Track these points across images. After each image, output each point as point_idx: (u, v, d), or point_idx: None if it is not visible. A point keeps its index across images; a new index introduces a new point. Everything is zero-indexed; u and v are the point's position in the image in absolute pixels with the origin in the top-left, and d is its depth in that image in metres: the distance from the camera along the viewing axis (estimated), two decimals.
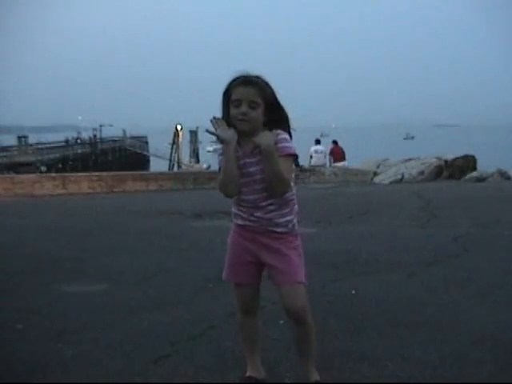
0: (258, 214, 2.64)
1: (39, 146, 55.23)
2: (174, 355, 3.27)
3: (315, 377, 2.76)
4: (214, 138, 2.59)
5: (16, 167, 41.44)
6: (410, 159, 18.22)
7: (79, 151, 59.15)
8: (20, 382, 3.04)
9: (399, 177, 16.39)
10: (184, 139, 55.31)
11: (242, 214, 2.69)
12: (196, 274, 5.03)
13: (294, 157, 2.61)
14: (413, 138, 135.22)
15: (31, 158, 46.54)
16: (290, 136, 2.64)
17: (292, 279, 2.62)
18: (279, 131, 2.59)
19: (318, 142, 20.70)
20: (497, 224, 7.36)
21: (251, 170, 2.61)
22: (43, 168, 43.57)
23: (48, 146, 58.26)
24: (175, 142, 53.29)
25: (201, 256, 5.75)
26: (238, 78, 2.59)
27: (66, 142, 62.44)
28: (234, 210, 2.74)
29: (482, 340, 3.39)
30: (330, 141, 22.21)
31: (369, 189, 13.87)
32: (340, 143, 21.20)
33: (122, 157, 65.75)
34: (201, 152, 56.45)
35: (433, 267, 5.16)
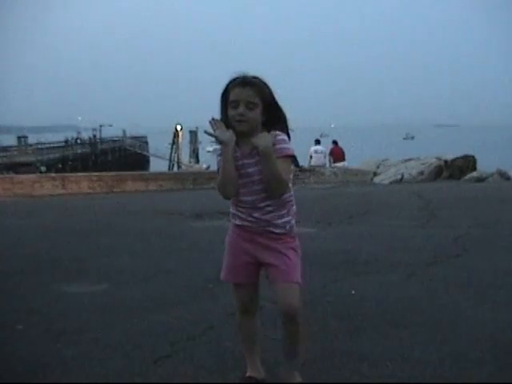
0: (256, 214, 2.64)
1: (39, 146, 55.20)
2: (174, 355, 3.27)
3: (298, 379, 2.76)
4: (213, 138, 2.60)
5: (16, 167, 41.43)
6: (409, 159, 18.23)
7: (79, 151, 59.13)
8: (20, 382, 3.04)
9: (399, 177, 16.40)
10: (184, 139, 55.31)
11: (240, 214, 2.69)
12: (196, 274, 5.03)
13: (292, 158, 2.62)
14: (413, 138, 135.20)
15: (31, 158, 46.53)
16: (289, 137, 2.64)
17: (289, 278, 2.63)
18: (277, 132, 2.59)
19: (317, 142, 20.71)
20: (497, 224, 7.36)
21: (250, 170, 2.61)
22: (43, 168, 43.57)
23: (48, 146, 58.23)
24: (175, 142, 53.29)
25: (200, 256, 5.75)
26: (235, 78, 2.60)
27: (66, 142, 62.41)
28: (232, 210, 2.75)
29: (482, 340, 3.39)
30: (330, 141, 22.22)
31: (369, 189, 13.88)
32: (340, 143, 21.22)
33: (121, 157, 65.74)
34: (200, 152, 56.46)
35: (433, 267, 5.16)
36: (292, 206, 2.71)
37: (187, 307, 4.15)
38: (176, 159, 52.58)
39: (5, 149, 52.81)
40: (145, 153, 69.16)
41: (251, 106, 2.55)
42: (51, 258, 5.81)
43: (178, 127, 53.11)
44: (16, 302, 4.40)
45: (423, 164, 16.82)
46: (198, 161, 54.03)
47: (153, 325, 3.79)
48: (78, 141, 66.16)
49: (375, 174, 17.79)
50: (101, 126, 70.20)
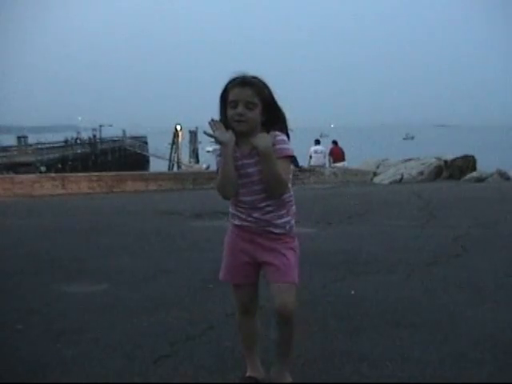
0: (256, 214, 2.64)
1: (39, 146, 55.19)
2: (174, 355, 3.27)
3: (288, 379, 2.76)
4: (212, 139, 2.60)
5: (15, 167, 41.42)
6: (409, 159, 18.23)
7: (79, 151, 59.11)
8: (20, 382, 3.04)
9: (399, 177, 16.39)
10: (184, 139, 55.28)
11: (239, 214, 2.69)
12: (196, 274, 5.03)
13: (292, 158, 2.62)
14: (412, 138, 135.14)
15: (31, 158, 46.51)
16: (288, 137, 2.65)
17: (286, 279, 2.62)
18: (277, 133, 2.60)
19: (317, 142, 20.72)
20: (496, 224, 7.36)
21: (249, 170, 2.61)
22: (43, 168, 43.55)
23: (47, 146, 58.22)
24: (175, 142, 53.27)
25: (200, 256, 5.75)
26: (235, 79, 2.60)
27: (66, 142, 62.39)
28: (231, 210, 2.75)
29: (482, 340, 3.39)
30: (330, 141, 22.23)
31: (368, 189, 13.88)
32: (339, 143, 21.22)
33: (121, 157, 65.73)
34: (200, 152, 56.44)
35: (432, 267, 5.16)
36: (291, 206, 2.71)
37: (187, 307, 4.15)
38: (176, 159, 52.56)
39: (5, 149, 52.80)
40: (145, 153, 69.14)
41: (250, 106, 2.55)
42: (51, 258, 5.81)
43: (178, 127, 53.07)
44: (16, 302, 4.39)
45: (423, 164, 16.82)
46: (197, 161, 53.99)
47: (153, 325, 3.79)
48: (78, 141, 66.15)
49: (375, 174, 17.79)
50: (100, 126, 70.17)
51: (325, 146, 21.10)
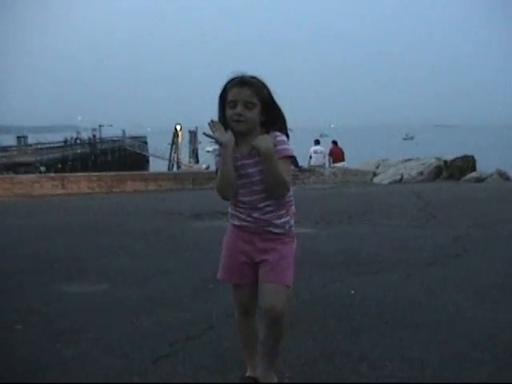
0: (256, 214, 2.64)
1: (38, 146, 55.17)
2: (173, 355, 3.27)
3: (274, 379, 2.75)
4: (212, 140, 2.59)
5: (15, 167, 41.41)
6: (409, 159, 18.23)
7: (78, 151, 59.10)
8: (20, 382, 3.04)
9: (398, 177, 16.39)
10: (183, 139, 55.25)
11: (239, 214, 2.69)
12: (195, 275, 5.03)
13: (292, 158, 2.62)
14: (412, 138, 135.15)
15: (30, 158, 46.49)
16: (287, 136, 2.64)
17: (278, 279, 2.62)
18: (277, 133, 2.59)
19: (317, 142, 20.72)
20: (496, 224, 7.36)
21: (249, 171, 2.61)
22: (42, 168, 43.53)
23: (47, 146, 58.20)
24: (174, 142, 53.24)
25: (200, 256, 5.75)
26: (233, 79, 2.60)
27: (65, 142, 62.36)
28: (230, 210, 2.74)
29: (482, 340, 3.40)
30: (330, 141, 22.23)
31: (368, 189, 13.87)
32: (339, 143, 21.22)
33: (121, 157, 65.71)
34: (200, 152, 56.43)
35: (432, 267, 5.16)
36: (291, 206, 2.71)
37: (187, 307, 4.15)
38: (175, 159, 52.54)
39: (4, 149, 52.78)
40: (144, 153, 69.13)
41: (249, 106, 2.55)
42: (51, 258, 5.81)
43: (178, 127, 53.05)
44: (16, 302, 4.39)
45: (423, 164, 16.81)
46: (197, 161, 53.96)
47: (152, 325, 3.79)
48: (78, 141, 66.13)
49: (375, 174, 17.78)
50: (100, 126, 70.14)
51: (324, 146, 21.10)
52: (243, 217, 2.67)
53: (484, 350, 3.24)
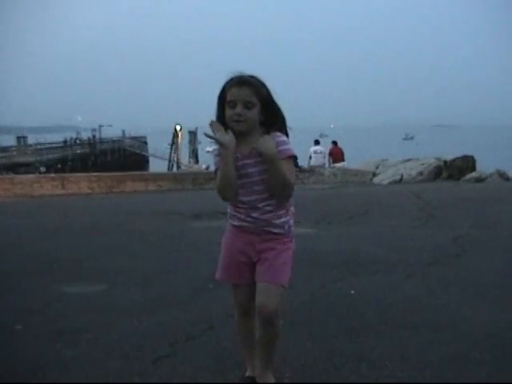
0: (255, 214, 2.64)
1: (38, 147, 55.15)
2: (173, 355, 3.27)
3: (271, 379, 2.75)
4: (213, 140, 2.59)
5: (15, 168, 41.40)
6: (409, 160, 18.23)
7: (78, 152, 59.07)
8: (19, 382, 3.04)
9: (398, 177, 16.39)
10: (183, 140, 55.23)
11: (238, 214, 2.69)
12: (195, 275, 5.03)
13: (294, 158, 2.62)
14: (412, 138, 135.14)
15: (30, 159, 46.48)
16: (287, 135, 2.65)
17: (274, 279, 2.62)
18: (277, 133, 2.59)
19: (317, 142, 20.72)
20: (496, 224, 7.36)
21: (250, 171, 2.61)
22: (42, 168, 43.51)
23: (47, 146, 58.18)
24: (174, 142, 53.23)
25: (200, 256, 5.75)
26: (232, 78, 2.59)
27: (65, 142, 62.34)
28: (229, 211, 2.74)
29: (482, 340, 3.40)
30: (329, 141, 22.24)
31: (368, 189, 13.88)
32: (339, 144, 21.22)
33: (121, 157, 65.68)
34: (200, 152, 56.43)
35: (432, 268, 5.16)
36: (290, 206, 2.71)
37: (186, 307, 4.15)
38: (175, 159, 52.53)
39: (4, 149, 52.76)
40: (144, 153, 69.10)
41: (249, 106, 2.55)
42: (51, 258, 5.81)
43: (178, 127, 53.03)
44: (16, 301, 4.39)
45: (422, 164, 16.81)
46: (197, 161, 53.95)
47: (152, 325, 3.79)
48: (78, 141, 66.11)
49: (374, 174, 17.78)
50: (100, 126, 70.11)
51: (324, 147, 21.11)
52: (242, 217, 2.67)
53: (483, 351, 3.24)
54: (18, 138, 58.04)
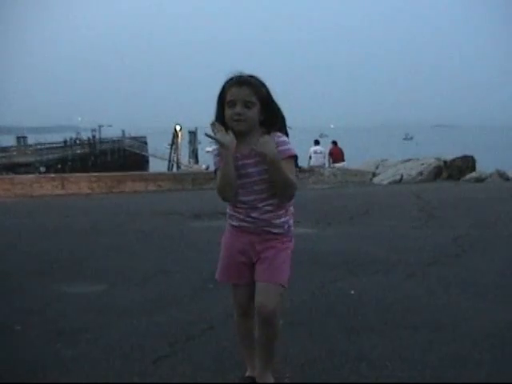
0: (255, 214, 2.64)
1: (38, 147, 55.14)
2: (173, 355, 3.27)
3: (270, 379, 2.75)
4: (213, 140, 2.59)
5: (15, 168, 41.39)
6: (409, 160, 18.23)
7: (78, 152, 59.06)
8: (19, 382, 3.04)
9: (398, 177, 16.39)
10: (183, 140, 55.21)
11: (237, 215, 2.68)
12: (195, 275, 5.03)
13: (295, 158, 2.62)
14: (412, 138, 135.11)
15: (30, 159, 46.47)
16: (287, 135, 2.65)
17: (273, 279, 2.62)
18: (278, 134, 2.59)
19: (317, 142, 20.73)
20: (496, 224, 7.36)
21: (249, 170, 2.61)
22: (42, 168, 43.51)
23: (47, 146, 58.17)
24: (174, 142, 53.22)
25: (200, 256, 5.75)
26: (232, 78, 2.59)
27: (65, 142, 62.34)
28: (229, 211, 2.74)
29: (482, 340, 3.39)
30: (329, 141, 22.24)
31: (368, 189, 13.88)
32: (339, 144, 21.22)
33: (121, 157, 65.66)
34: (200, 152, 56.43)
35: (432, 267, 5.16)
36: (290, 206, 2.71)
37: (186, 307, 4.15)
38: (175, 160, 52.52)
39: (4, 149, 52.75)
40: (144, 153, 69.08)
41: (249, 105, 2.55)
42: (51, 258, 5.81)
43: (178, 127, 53.02)
44: (16, 301, 4.39)
45: (422, 164, 16.81)
46: (197, 161, 53.94)
47: (152, 325, 3.79)
48: (77, 141, 66.10)
49: (374, 174, 17.78)
50: (100, 126, 70.08)
51: (324, 147, 21.12)
52: (242, 217, 2.67)
53: (483, 351, 3.24)
54: (18, 138, 58.01)
